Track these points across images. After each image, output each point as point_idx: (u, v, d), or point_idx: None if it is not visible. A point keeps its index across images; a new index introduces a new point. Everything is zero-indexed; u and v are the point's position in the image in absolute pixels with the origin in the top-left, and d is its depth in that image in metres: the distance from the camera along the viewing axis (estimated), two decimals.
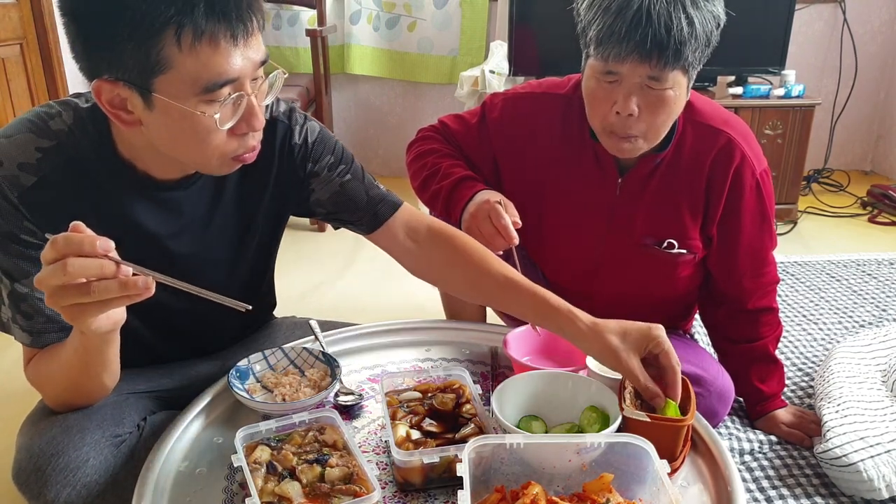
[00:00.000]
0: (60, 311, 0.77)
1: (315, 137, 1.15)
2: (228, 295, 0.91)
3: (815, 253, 2.63)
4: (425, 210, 1.40)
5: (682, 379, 1.01)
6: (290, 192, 1.15)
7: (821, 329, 1.95)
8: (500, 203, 1.16)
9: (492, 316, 1.65)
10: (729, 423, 1.44)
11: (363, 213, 1.18)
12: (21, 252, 0.95)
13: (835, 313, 2.06)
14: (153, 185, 1.02)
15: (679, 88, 1.12)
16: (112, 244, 0.76)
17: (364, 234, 1.22)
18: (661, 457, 0.84)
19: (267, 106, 1.02)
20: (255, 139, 0.95)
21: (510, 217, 1.14)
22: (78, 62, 0.88)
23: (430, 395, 1.07)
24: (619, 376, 1.02)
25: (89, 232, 0.75)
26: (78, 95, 1.01)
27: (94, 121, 0.97)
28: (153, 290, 0.77)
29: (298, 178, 1.15)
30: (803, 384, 1.64)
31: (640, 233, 1.31)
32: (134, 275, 0.77)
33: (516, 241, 1.14)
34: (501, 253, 1.21)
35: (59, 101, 1.00)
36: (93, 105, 0.98)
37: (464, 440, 0.92)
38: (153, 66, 0.83)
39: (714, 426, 1.31)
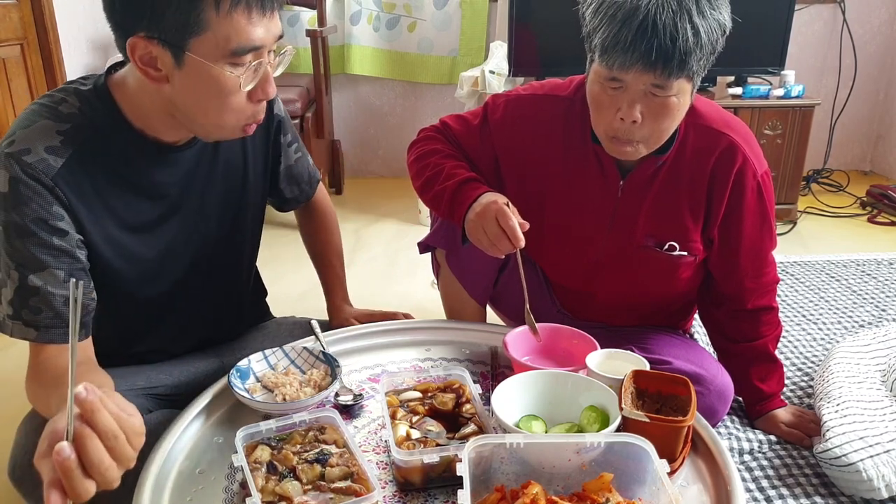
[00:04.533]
0: None
1: (285, 114, 1.31)
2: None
3: (814, 253, 2.63)
4: (426, 210, 1.40)
5: (683, 378, 1.01)
6: (267, 153, 1.29)
7: (820, 329, 1.95)
8: (507, 205, 1.16)
9: (492, 316, 1.65)
10: (728, 423, 1.44)
11: (304, 186, 1.40)
12: (44, 241, 0.97)
13: (834, 313, 2.06)
14: (164, 149, 1.10)
15: (683, 95, 1.12)
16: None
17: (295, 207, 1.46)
18: (661, 457, 0.84)
19: None
20: (263, 109, 1.05)
21: (516, 219, 1.15)
22: (112, 20, 0.95)
23: (430, 394, 1.07)
24: (619, 376, 1.03)
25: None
26: (72, 82, 1.07)
27: (99, 97, 1.04)
28: None
29: (277, 143, 1.30)
30: (803, 384, 1.64)
31: (642, 235, 1.31)
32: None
33: (522, 243, 1.14)
34: (504, 256, 1.22)
35: (57, 89, 1.06)
36: (92, 85, 1.05)
37: (464, 440, 0.93)
38: (191, 27, 0.91)
39: (714, 425, 1.32)
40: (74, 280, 0.62)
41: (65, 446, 0.64)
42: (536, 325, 1.23)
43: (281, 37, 1.00)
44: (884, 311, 2.07)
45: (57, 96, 1.03)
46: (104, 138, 1.03)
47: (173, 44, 0.93)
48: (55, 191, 0.98)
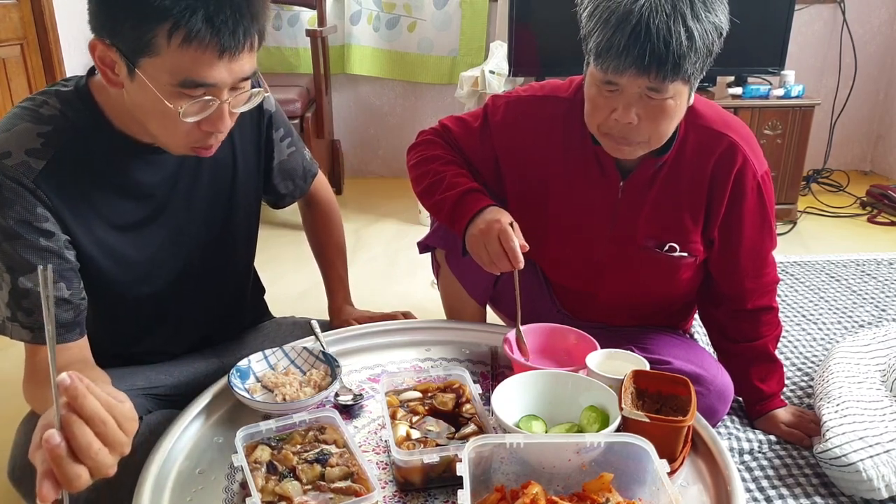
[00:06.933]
0: None
1: (277, 107, 1.28)
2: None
3: (814, 253, 2.63)
4: (426, 211, 1.40)
5: (683, 378, 1.01)
6: (259, 150, 1.27)
7: (820, 329, 1.95)
8: (511, 225, 1.16)
9: (492, 316, 1.65)
10: (728, 423, 1.44)
11: (299, 181, 1.38)
12: (32, 243, 0.97)
13: (834, 313, 2.06)
14: (146, 149, 1.08)
15: (680, 97, 1.12)
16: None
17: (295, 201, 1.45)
18: (661, 457, 0.84)
19: None
20: (217, 139, 1.02)
21: (518, 241, 1.15)
22: (89, 17, 0.94)
23: (430, 394, 1.07)
24: (619, 376, 1.03)
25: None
26: (53, 84, 1.07)
27: (81, 99, 1.03)
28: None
29: (269, 139, 1.27)
30: (803, 384, 1.65)
31: (642, 236, 1.31)
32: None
33: (521, 265, 1.15)
34: (500, 273, 1.21)
35: (39, 92, 1.06)
36: (74, 87, 1.05)
37: (464, 440, 0.93)
38: (143, 46, 0.90)
39: (713, 425, 1.32)
40: (41, 267, 0.60)
41: (54, 433, 0.64)
42: (535, 325, 1.24)
43: (248, 78, 0.97)
44: (884, 311, 2.07)
45: (38, 99, 1.03)
46: (85, 139, 1.02)
47: (127, 57, 0.92)
48: (37, 192, 0.97)
